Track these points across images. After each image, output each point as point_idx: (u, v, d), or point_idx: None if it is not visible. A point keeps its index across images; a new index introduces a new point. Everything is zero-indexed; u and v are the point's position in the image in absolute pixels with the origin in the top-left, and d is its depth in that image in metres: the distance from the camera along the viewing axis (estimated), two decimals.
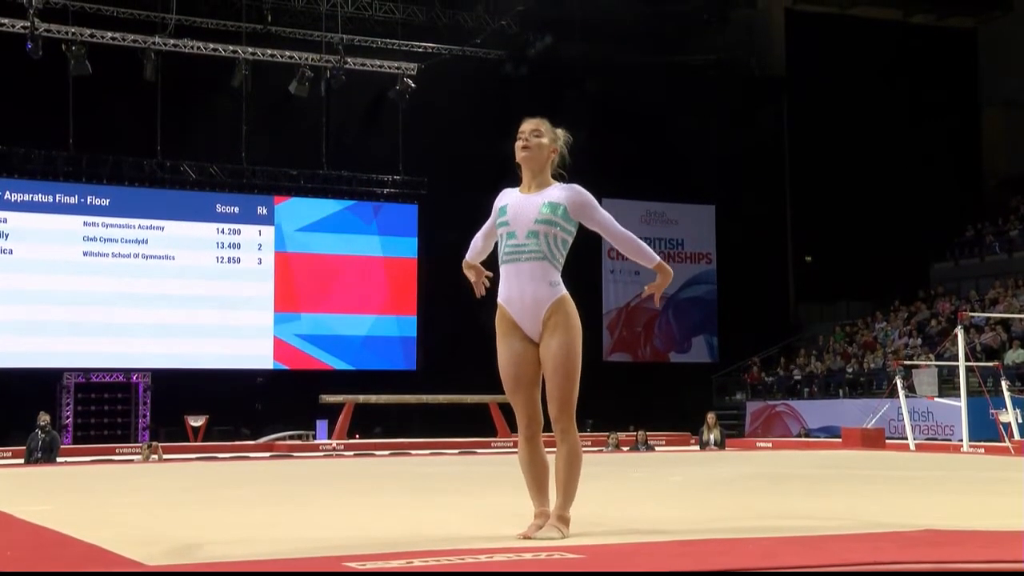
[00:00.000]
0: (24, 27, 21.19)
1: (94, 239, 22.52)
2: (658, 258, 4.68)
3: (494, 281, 4.70)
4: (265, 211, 23.92)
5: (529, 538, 4.38)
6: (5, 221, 21.98)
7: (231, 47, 23.24)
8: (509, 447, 17.34)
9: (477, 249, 4.91)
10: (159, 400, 22.56)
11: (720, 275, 28.05)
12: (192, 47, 22.84)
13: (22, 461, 16.05)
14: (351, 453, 18.48)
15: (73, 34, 21.68)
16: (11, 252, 21.92)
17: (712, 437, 18.04)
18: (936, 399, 18.42)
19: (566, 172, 4.73)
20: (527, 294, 4.51)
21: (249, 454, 18.42)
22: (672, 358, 27.95)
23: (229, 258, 23.51)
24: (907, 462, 12.17)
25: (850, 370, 24.08)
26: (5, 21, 21.40)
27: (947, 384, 19.49)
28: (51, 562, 4.09)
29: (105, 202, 22.65)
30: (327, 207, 24.47)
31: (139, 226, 22.85)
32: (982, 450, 14.67)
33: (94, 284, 22.29)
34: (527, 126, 4.65)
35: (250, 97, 23.41)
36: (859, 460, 12.26)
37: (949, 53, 29.98)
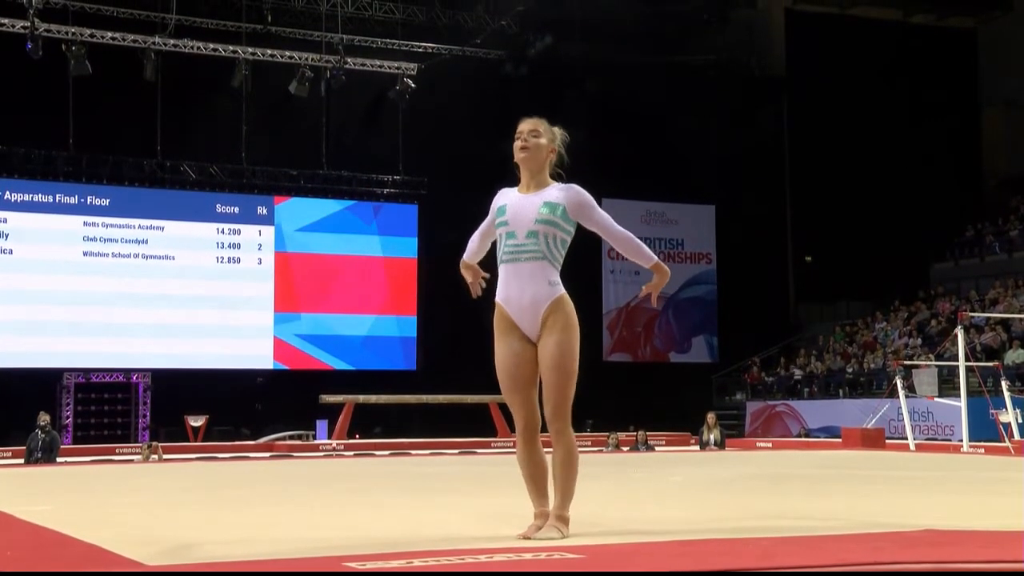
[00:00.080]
0: (24, 27, 21.19)
1: (94, 239, 22.52)
2: (655, 258, 4.68)
3: (492, 281, 4.70)
4: (265, 211, 23.92)
5: (529, 538, 4.38)
6: (5, 221, 21.98)
7: (231, 47, 23.25)
8: (509, 447, 17.33)
9: (474, 249, 4.91)
10: (159, 400, 22.56)
11: (720, 275, 28.06)
12: (192, 47, 22.84)
13: (22, 461, 16.05)
14: (351, 453, 18.47)
15: (73, 34, 21.69)
16: (11, 252, 21.92)
17: (712, 437, 18.03)
18: (936, 399, 18.42)
19: (564, 172, 4.73)
20: (526, 294, 4.51)
21: (249, 454, 18.42)
22: (672, 358, 27.95)
23: (229, 258, 23.51)
24: (907, 462, 12.17)
25: (850, 370, 24.08)
26: (5, 21, 21.41)
27: (947, 384, 19.49)
28: (51, 562, 4.09)
29: (105, 202, 22.66)
30: (327, 207, 24.47)
31: (139, 226, 22.85)
32: (982, 450, 14.66)
33: (94, 284, 22.29)
34: (525, 126, 4.64)
35: (250, 97, 23.42)
36: (859, 460, 12.25)
37: (949, 53, 29.99)
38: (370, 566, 3.55)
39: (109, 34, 22.21)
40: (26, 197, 22.12)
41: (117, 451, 19.01)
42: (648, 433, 19.34)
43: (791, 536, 4.46)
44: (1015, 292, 23.22)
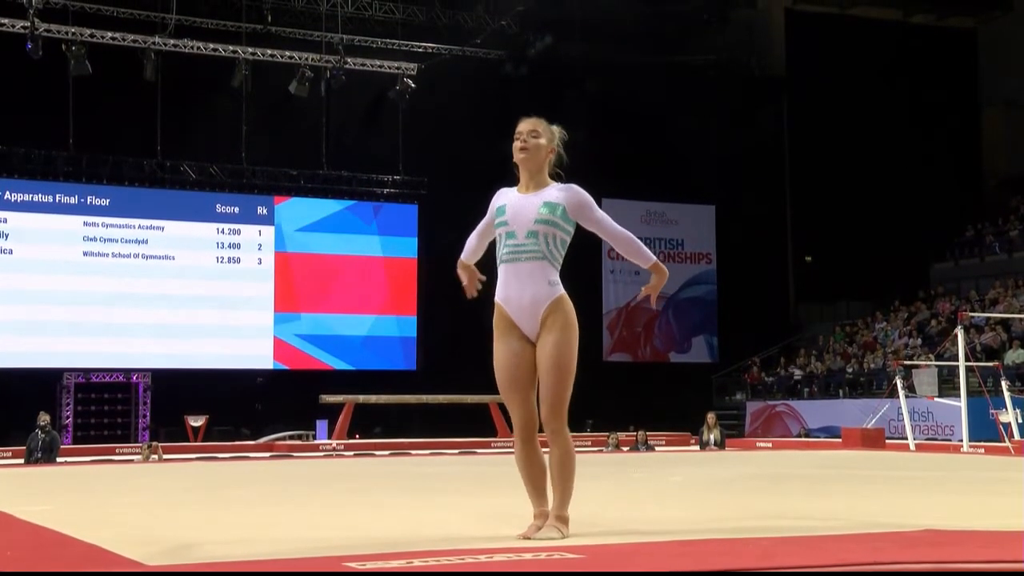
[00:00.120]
0: (24, 27, 21.19)
1: (94, 239, 22.52)
2: (654, 258, 4.68)
3: (490, 282, 4.70)
4: (265, 211, 23.92)
5: (529, 538, 4.38)
6: (5, 221, 21.98)
7: (231, 47, 23.25)
8: (509, 447, 17.33)
9: (471, 249, 4.92)
10: (159, 400, 22.56)
11: (720, 275, 28.06)
12: (192, 47, 22.84)
13: (22, 461, 16.05)
14: (351, 453, 18.47)
15: (73, 34, 21.69)
16: (11, 252, 21.92)
17: (712, 437, 18.03)
18: (936, 399, 18.42)
19: (564, 171, 4.73)
20: (526, 293, 4.52)
21: (249, 454, 18.42)
22: (672, 358, 27.96)
23: (229, 258, 23.51)
24: (907, 462, 12.17)
25: (850, 370, 24.08)
26: (5, 21, 21.41)
27: (947, 384, 19.49)
28: (51, 562, 4.09)
29: (105, 202, 22.66)
30: (327, 207, 24.47)
31: (139, 226, 22.85)
32: (982, 450, 14.67)
33: (94, 284, 22.29)
34: (524, 127, 4.64)
35: (250, 97, 23.42)
36: (859, 460, 12.25)
37: (949, 53, 29.99)
38: (370, 566, 3.55)
39: (109, 34, 22.22)
40: (26, 197, 22.12)
41: (117, 451, 19.01)
42: (648, 433, 19.34)
43: (791, 536, 4.46)
44: (1015, 292, 23.22)
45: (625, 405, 23.36)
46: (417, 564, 3.63)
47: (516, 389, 4.55)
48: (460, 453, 18.13)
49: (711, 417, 18.47)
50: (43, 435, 16.11)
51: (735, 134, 27.40)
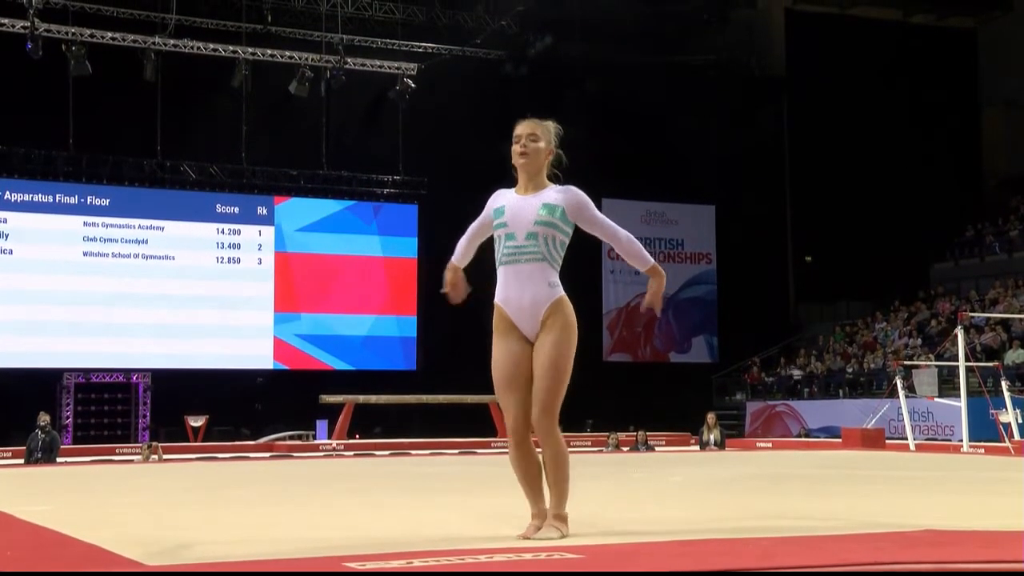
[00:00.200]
0: (24, 27, 21.19)
1: (94, 239, 22.52)
2: (652, 260, 4.68)
3: (486, 284, 4.69)
4: (265, 211, 23.93)
5: (529, 539, 4.38)
6: (5, 221, 21.98)
7: (231, 47, 23.25)
8: (508, 448, 17.31)
9: (463, 251, 4.90)
10: (159, 400, 22.56)
11: (720, 275, 28.06)
12: (192, 47, 22.84)
13: (22, 461, 16.05)
14: (351, 453, 18.47)
15: (73, 34, 21.69)
16: (11, 252, 21.92)
17: (712, 437, 18.04)
18: (936, 399, 18.42)
19: (564, 171, 4.73)
20: (526, 295, 4.52)
21: (249, 454, 18.42)
22: (672, 358, 27.96)
23: (229, 258, 23.51)
24: (907, 462, 12.17)
25: (850, 370, 24.08)
26: (5, 21, 21.41)
27: (947, 384, 19.48)
28: (51, 562, 4.09)
29: (105, 202, 22.66)
30: (327, 207, 24.47)
31: (139, 226, 22.85)
32: (982, 450, 14.67)
33: (94, 284, 22.29)
34: (523, 130, 4.63)
35: (250, 97, 23.42)
36: (859, 460, 12.26)
37: (949, 53, 29.98)
38: (370, 566, 3.55)
39: (109, 34, 22.22)
40: (26, 197, 22.12)
41: (117, 451, 19.01)
42: (648, 433, 19.34)
43: (791, 536, 4.46)
44: (1015, 292, 23.22)
45: (625, 405, 23.36)
46: (417, 564, 3.63)
47: (514, 388, 4.54)
48: (460, 453, 18.13)
49: (711, 417, 18.47)
50: (43, 435, 16.11)
51: (735, 134, 27.40)
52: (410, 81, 24.08)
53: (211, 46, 23.10)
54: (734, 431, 23.29)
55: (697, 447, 18.58)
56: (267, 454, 18.67)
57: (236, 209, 23.66)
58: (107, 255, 22.56)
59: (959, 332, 15.67)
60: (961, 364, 15.53)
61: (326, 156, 24.33)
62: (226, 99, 23.53)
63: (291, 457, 17.32)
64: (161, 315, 22.60)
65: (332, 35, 23.85)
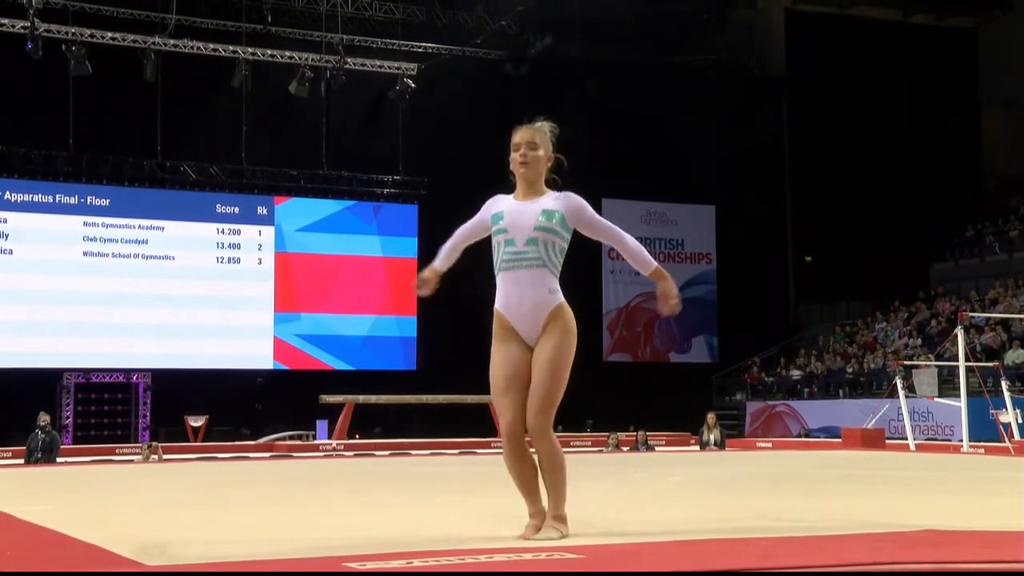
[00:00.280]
0: (24, 27, 21.19)
1: (94, 239, 22.52)
2: (654, 263, 4.66)
3: (489, 284, 4.69)
4: (265, 211, 23.93)
5: (528, 540, 4.38)
6: (5, 221, 21.98)
7: (231, 47, 23.25)
8: None
9: (446, 255, 4.88)
10: (159, 400, 22.56)
11: (720, 275, 28.06)
12: (192, 47, 22.84)
13: (22, 461, 16.05)
14: (351, 453, 18.47)
15: (73, 34, 21.69)
16: (11, 252, 21.92)
17: (712, 437, 18.03)
18: (936, 399, 18.42)
19: (563, 172, 4.72)
20: (526, 300, 4.52)
21: (249, 454, 18.42)
22: (672, 358, 27.96)
23: (229, 258, 23.51)
24: (907, 462, 12.17)
25: (850, 370, 24.08)
26: (5, 21, 21.41)
27: (947, 384, 19.49)
28: (51, 562, 4.09)
29: (105, 202, 22.66)
30: (327, 207, 24.47)
31: (139, 226, 22.85)
32: (982, 450, 14.67)
33: (94, 284, 22.29)
34: (522, 138, 4.61)
35: (250, 97, 23.42)
36: (859, 460, 12.26)
37: (949, 53, 29.98)
38: (370, 566, 3.55)
39: (109, 34, 22.22)
40: (26, 197, 22.12)
41: (117, 451, 19.01)
42: (648, 433, 19.34)
43: (791, 536, 4.46)
44: (1015, 292, 23.22)
45: (625, 405, 23.36)
46: (417, 564, 3.63)
47: (510, 390, 4.54)
48: (460, 453, 18.13)
49: (711, 417, 18.47)
50: (43, 435, 16.11)
51: (735, 134, 27.41)
52: (410, 81, 24.08)
53: (211, 46, 23.10)
54: (734, 431, 23.29)
55: (697, 447, 18.58)
56: (267, 454, 18.67)
57: (236, 209, 23.66)
58: (107, 255, 22.56)
59: (959, 332, 15.68)
60: (961, 364, 15.53)
61: (326, 156, 24.33)
62: (226, 99, 23.53)
63: (291, 457, 17.32)
64: (161, 315, 22.60)
65: (332, 35, 23.85)
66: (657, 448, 19.11)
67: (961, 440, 15.47)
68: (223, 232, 23.50)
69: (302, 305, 23.99)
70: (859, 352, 24.79)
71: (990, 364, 17.95)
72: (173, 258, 22.99)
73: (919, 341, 23.28)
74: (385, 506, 6.76)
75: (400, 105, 24.17)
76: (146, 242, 22.86)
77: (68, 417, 22.02)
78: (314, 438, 21.27)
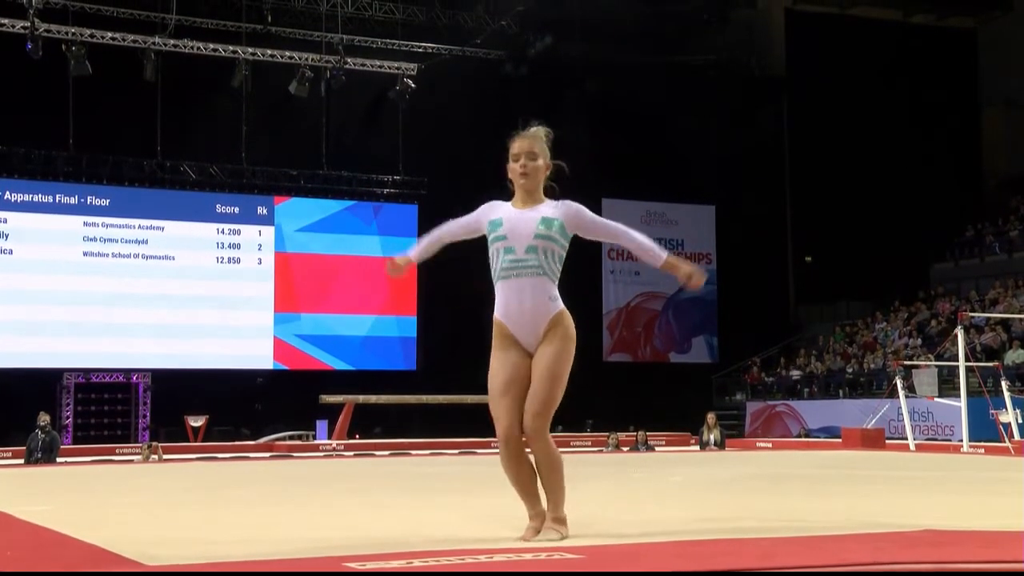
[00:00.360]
0: (24, 27, 21.19)
1: (94, 239, 22.52)
2: (664, 256, 4.63)
3: (489, 284, 4.69)
4: (265, 211, 23.92)
5: (528, 541, 4.38)
6: (5, 221, 21.98)
7: (231, 47, 23.25)
8: None
9: (425, 248, 4.95)
10: (159, 400, 22.56)
11: (720, 275, 28.03)
12: (192, 47, 22.84)
13: (22, 461, 16.05)
14: (351, 453, 18.48)
15: (73, 34, 21.69)
16: (11, 252, 21.92)
17: (712, 437, 18.03)
18: (936, 399, 18.42)
19: (563, 174, 4.71)
20: (527, 308, 4.52)
21: (249, 454, 18.42)
22: (672, 358, 27.96)
23: (229, 258, 23.51)
24: (907, 462, 12.17)
25: (850, 370, 24.07)
26: (5, 21, 21.41)
27: (947, 384, 19.49)
28: (51, 562, 4.09)
29: (105, 202, 22.66)
30: (327, 207, 24.47)
31: (139, 226, 22.85)
32: (982, 450, 14.67)
33: (94, 284, 22.29)
34: (521, 148, 4.60)
35: (250, 97, 23.42)
36: (859, 460, 12.26)
37: (949, 53, 29.99)
38: (370, 566, 3.55)
39: (109, 34, 22.21)
40: (26, 197, 22.12)
41: (117, 451, 19.01)
42: (648, 433, 19.34)
43: (791, 536, 4.46)
44: (1015, 292, 23.22)
45: (625, 405, 23.35)
46: (417, 564, 3.63)
47: (509, 393, 4.56)
48: (460, 453, 18.13)
49: (711, 417, 18.47)
50: (43, 435, 16.11)
51: (735, 134, 27.40)
52: (410, 81, 24.08)
53: (211, 46, 23.10)
54: (734, 431, 23.29)
55: (697, 447, 18.58)
56: (267, 454, 18.67)
57: (236, 209, 23.66)
58: (107, 255, 22.56)
59: (959, 332, 15.68)
60: (961, 364, 15.53)
61: (326, 156, 24.32)
62: (226, 99, 23.53)
63: (291, 457, 17.32)
64: (161, 315, 22.60)
65: (332, 35, 23.85)
66: (657, 448, 19.11)
67: (961, 440, 15.47)
68: (223, 232, 23.50)
69: (302, 305, 23.99)
70: (859, 352, 24.79)
71: (990, 364, 17.95)
72: (173, 258, 22.99)
73: (919, 341, 23.28)
74: (385, 506, 6.76)
75: (400, 105, 24.16)
76: (146, 242, 22.86)
77: (68, 417, 22.02)
78: (314, 438, 21.27)
